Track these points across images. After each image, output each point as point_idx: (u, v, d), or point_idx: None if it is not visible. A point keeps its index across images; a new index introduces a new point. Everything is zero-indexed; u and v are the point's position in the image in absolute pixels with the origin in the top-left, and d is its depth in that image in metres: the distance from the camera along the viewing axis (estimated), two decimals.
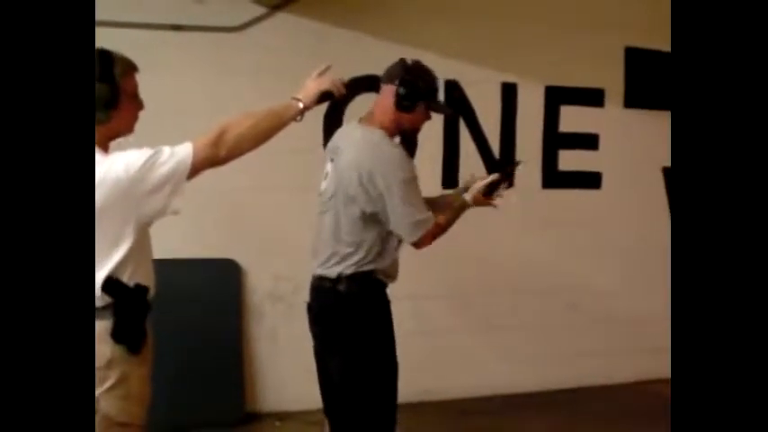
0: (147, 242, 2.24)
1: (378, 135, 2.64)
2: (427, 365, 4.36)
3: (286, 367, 4.26)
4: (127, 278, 2.15)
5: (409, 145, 2.70)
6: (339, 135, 2.82)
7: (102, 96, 2.11)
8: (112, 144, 2.24)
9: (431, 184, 3.99)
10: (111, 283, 2.11)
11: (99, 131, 2.13)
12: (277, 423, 4.25)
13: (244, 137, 2.20)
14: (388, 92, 2.66)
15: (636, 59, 5.00)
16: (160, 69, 3.41)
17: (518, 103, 4.79)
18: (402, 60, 2.69)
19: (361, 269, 2.60)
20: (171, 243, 3.12)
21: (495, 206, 2.83)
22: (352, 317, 2.63)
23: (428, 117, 2.74)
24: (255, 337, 4.38)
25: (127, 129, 2.25)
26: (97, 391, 2.09)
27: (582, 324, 4.95)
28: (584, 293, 4.95)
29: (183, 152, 2.13)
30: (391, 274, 2.69)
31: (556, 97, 4.88)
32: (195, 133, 2.20)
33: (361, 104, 3.50)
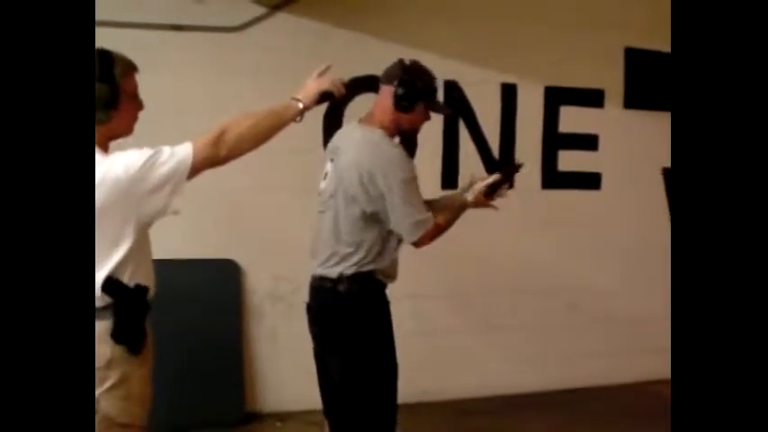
0: (147, 242, 2.24)
1: (378, 135, 2.64)
2: (427, 365, 4.36)
3: (286, 367, 4.26)
4: (127, 278, 2.15)
5: (409, 145, 2.70)
6: (339, 135, 2.82)
7: (102, 96, 2.11)
8: (112, 144, 2.24)
9: (431, 184, 4.00)
10: (112, 283, 2.11)
11: (99, 131, 2.13)
12: (277, 423, 4.25)
13: (244, 137, 2.20)
14: (387, 92, 2.66)
15: (636, 60, 5.00)
16: (160, 69, 3.41)
17: (518, 104, 4.79)
18: (400, 61, 2.70)
19: (361, 269, 2.60)
20: (171, 243, 3.12)
21: (495, 208, 2.84)
22: (351, 317, 2.63)
23: (427, 117, 2.75)
24: (255, 338, 4.38)
25: (127, 129, 2.25)
26: (97, 392, 2.09)
27: (582, 324, 4.95)
28: (584, 294, 4.95)
29: (184, 152, 2.13)
30: (391, 274, 2.70)
31: (555, 98, 4.88)
32: (195, 133, 2.20)
33: (361, 105, 3.50)
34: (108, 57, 2.15)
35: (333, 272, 2.62)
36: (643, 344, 4.81)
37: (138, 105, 2.27)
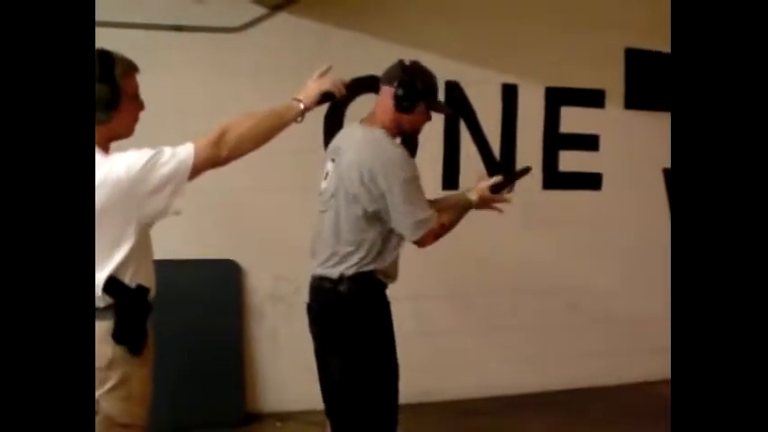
0: (148, 243, 2.25)
1: (379, 135, 2.64)
2: (428, 366, 4.36)
3: (287, 367, 4.26)
4: (128, 279, 2.15)
5: (410, 146, 2.70)
6: (340, 136, 2.82)
7: (102, 97, 2.11)
8: (113, 145, 2.24)
9: (431, 185, 3.99)
10: (113, 283, 2.12)
11: (100, 132, 2.14)
12: (278, 423, 4.25)
13: (245, 137, 2.20)
14: (388, 93, 2.66)
15: (636, 60, 5.00)
16: (161, 70, 3.41)
17: (518, 104, 4.79)
18: (400, 61, 2.70)
19: (362, 269, 2.60)
20: (171, 244, 3.12)
21: (500, 210, 2.84)
22: (352, 317, 2.63)
23: (428, 117, 2.75)
24: (256, 338, 4.38)
25: (128, 129, 2.25)
26: (98, 392, 2.09)
27: (582, 324, 4.95)
28: (584, 294, 4.95)
29: (185, 153, 2.13)
30: (391, 274, 2.69)
31: (556, 98, 4.88)
32: (196, 134, 2.20)
33: (361, 105, 3.50)
34: (108, 57, 2.16)
35: (333, 272, 2.62)
36: (643, 344, 4.81)
37: (139, 106, 2.27)
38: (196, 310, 4.11)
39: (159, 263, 2.32)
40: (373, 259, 2.61)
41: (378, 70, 2.79)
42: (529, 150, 4.74)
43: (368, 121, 2.72)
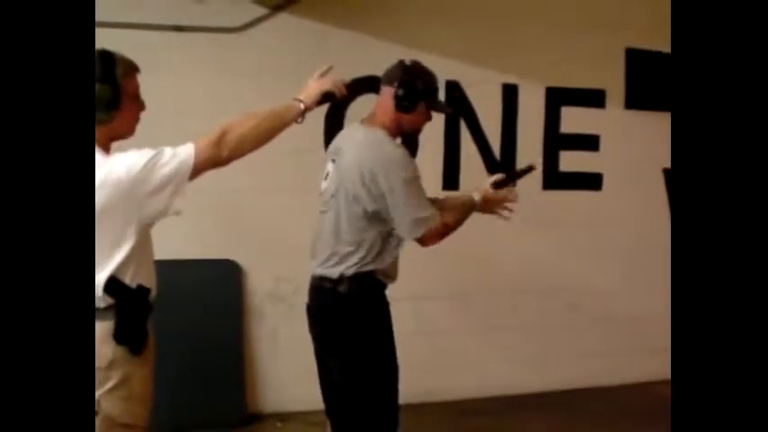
0: (148, 243, 2.25)
1: (379, 135, 2.64)
2: (428, 366, 4.36)
3: (287, 368, 4.26)
4: (129, 279, 2.15)
5: (410, 146, 2.70)
6: (341, 136, 2.82)
7: (103, 97, 2.11)
8: (114, 145, 2.24)
9: (432, 185, 3.99)
10: (113, 284, 2.12)
11: (100, 132, 2.14)
12: (278, 424, 4.25)
13: (245, 137, 2.20)
14: (388, 93, 2.66)
15: (637, 60, 5.00)
16: (161, 70, 3.41)
17: (519, 104, 4.79)
18: (401, 62, 2.70)
19: (362, 270, 2.60)
20: (172, 244, 3.12)
21: (505, 218, 2.84)
22: (351, 318, 2.62)
23: (429, 117, 2.75)
24: (256, 338, 4.38)
25: (128, 129, 2.26)
26: (99, 392, 2.09)
27: (582, 325, 4.95)
28: (584, 294, 4.95)
29: (185, 153, 2.13)
30: (391, 274, 2.69)
31: (557, 98, 4.88)
32: (196, 134, 2.20)
33: (362, 105, 3.50)
34: (109, 57, 2.16)
35: (333, 272, 2.62)
36: (643, 344, 4.82)
37: (140, 106, 2.27)
38: (196, 311, 4.12)
39: (159, 263, 2.32)
40: (373, 259, 2.61)
41: (378, 70, 2.79)
42: (529, 151, 4.74)
43: (368, 121, 2.72)
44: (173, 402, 3.57)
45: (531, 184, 4.59)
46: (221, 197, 3.95)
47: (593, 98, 4.95)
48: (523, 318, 4.84)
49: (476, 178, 3.05)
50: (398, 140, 2.71)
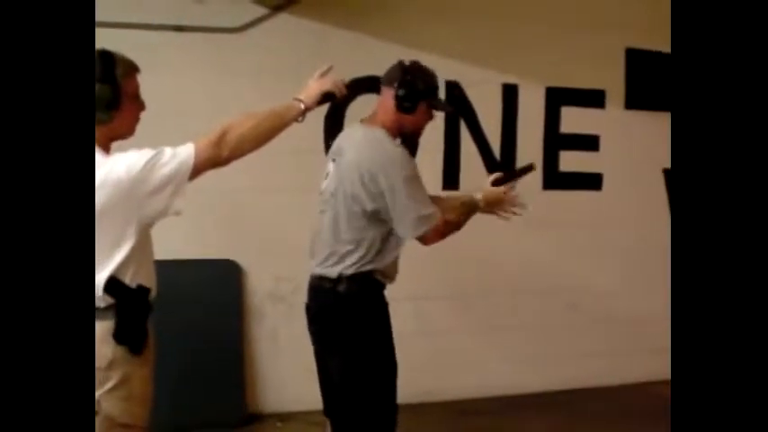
0: (148, 243, 2.25)
1: (379, 134, 2.64)
2: (428, 366, 4.36)
3: (287, 368, 4.27)
4: (129, 279, 2.15)
5: (410, 148, 2.70)
6: (342, 136, 2.82)
7: (103, 97, 2.11)
8: (114, 145, 2.24)
9: (432, 185, 3.99)
10: (113, 284, 2.12)
11: (100, 132, 2.14)
12: (278, 424, 4.25)
13: (245, 137, 2.20)
14: (389, 94, 2.66)
15: (637, 60, 5.00)
16: (161, 70, 3.41)
17: (519, 104, 4.79)
18: (400, 62, 2.70)
19: (361, 269, 2.60)
20: (172, 244, 3.12)
21: (506, 218, 2.84)
22: (350, 318, 2.62)
23: (431, 117, 2.74)
24: (256, 338, 4.38)
25: (128, 129, 2.26)
26: (99, 393, 2.09)
27: (582, 325, 4.95)
28: (584, 294, 4.95)
29: (185, 153, 2.13)
30: (390, 274, 2.69)
31: (557, 98, 4.88)
32: (196, 134, 2.20)
33: (362, 105, 3.51)
34: (109, 57, 2.16)
35: (332, 271, 2.62)
36: (643, 344, 4.82)
37: (140, 106, 2.27)
38: (196, 311, 4.12)
39: (159, 263, 2.32)
40: (372, 259, 2.61)
41: (378, 70, 2.79)
42: (529, 151, 4.73)
43: (369, 121, 2.72)
44: (173, 402, 3.57)
45: (531, 184, 4.59)
46: (221, 197, 3.95)
47: (593, 98, 4.95)
48: (523, 318, 4.84)
49: (476, 178, 3.04)
50: (398, 141, 2.71)
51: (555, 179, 4.88)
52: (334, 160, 2.72)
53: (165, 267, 2.40)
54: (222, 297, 4.28)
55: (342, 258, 2.61)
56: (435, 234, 2.62)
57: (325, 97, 2.46)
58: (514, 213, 2.85)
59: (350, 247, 2.60)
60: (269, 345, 4.37)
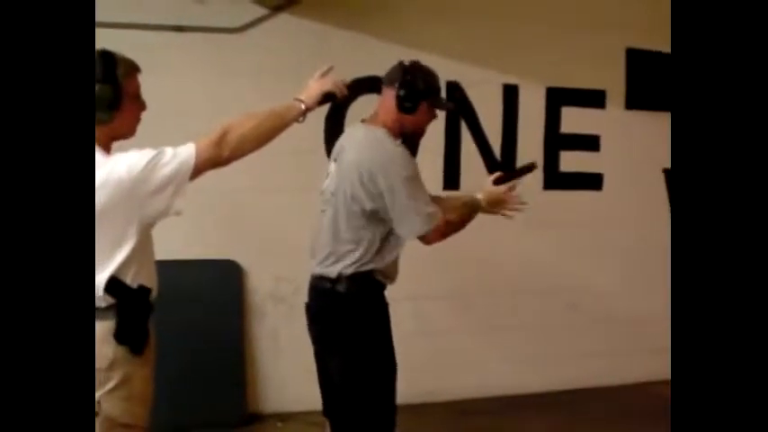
0: (149, 243, 2.25)
1: (380, 134, 2.64)
2: (428, 366, 4.37)
3: (287, 368, 4.27)
4: (130, 279, 2.15)
5: (411, 148, 2.70)
6: (344, 136, 2.82)
7: (104, 97, 2.12)
8: (115, 145, 2.25)
9: (432, 185, 3.99)
10: (114, 284, 2.12)
11: (101, 132, 2.14)
12: (279, 424, 4.26)
13: (246, 137, 2.20)
14: (390, 95, 2.66)
15: (637, 60, 5.00)
16: (161, 70, 3.41)
17: (519, 105, 4.79)
18: (400, 63, 2.70)
19: (360, 269, 2.60)
20: (172, 244, 3.12)
21: (509, 217, 2.83)
22: (350, 318, 2.62)
23: (433, 116, 2.74)
24: (257, 338, 4.38)
25: (129, 129, 2.26)
26: (100, 393, 2.10)
27: (582, 325, 4.95)
28: (584, 294, 4.95)
29: (186, 153, 2.13)
30: (390, 274, 2.69)
31: (557, 98, 4.88)
32: (197, 134, 2.20)
33: (362, 105, 3.50)
34: (110, 58, 2.16)
35: (331, 271, 2.62)
36: (643, 344, 4.82)
37: (141, 106, 2.27)
38: (197, 311, 4.12)
39: (160, 263, 2.32)
40: (372, 258, 2.61)
41: (378, 71, 2.79)
42: (530, 151, 4.73)
43: (370, 121, 2.72)
44: (173, 402, 3.56)
45: (531, 185, 4.60)
46: (221, 197, 3.95)
47: (594, 98, 4.95)
48: (523, 318, 4.84)
49: (476, 178, 3.04)
50: (398, 141, 2.70)
51: (555, 179, 4.88)
52: (335, 160, 2.72)
53: (165, 267, 2.40)
54: (223, 297, 4.28)
55: (341, 258, 2.61)
56: (436, 234, 2.61)
57: (326, 97, 2.46)
58: (517, 211, 2.84)
59: (349, 247, 2.60)
60: (269, 345, 4.37)
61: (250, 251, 4.32)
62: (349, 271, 2.60)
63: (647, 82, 4.99)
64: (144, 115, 2.29)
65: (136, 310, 2.18)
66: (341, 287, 2.61)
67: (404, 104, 2.63)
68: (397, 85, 2.64)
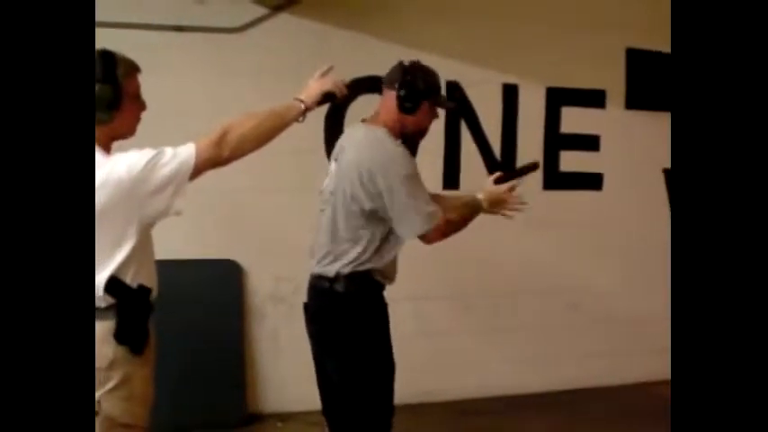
0: (149, 243, 2.25)
1: (380, 133, 2.63)
2: (428, 367, 4.37)
3: (287, 368, 4.26)
4: (130, 279, 2.15)
5: (411, 149, 2.69)
6: (344, 136, 2.81)
7: (104, 97, 2.12)
8: (115, 145, 2.25)
9: (432, 185, 4.00)
10: (114, 283, 2.12)
11: (101, 132, 2.14)
12: (279, 424, 4.25)
13: (246, 137, 2.20)
14: (390, 96, 2.65)
15: (637, 60, 5.00)
16: (162, 70, 3.41)
17: (519, 104, 4.79)
18: (400, 63, 2.69)
19: (358, 268, 2.59)
20: (172, 244, 3.12)
21: (509, 217, 2.82)
22: (348, 317, 2.62)
23: (435, 115, 2.74)
24: (257, 338, 4.38)
25: (129, 129, 2.26)
26: (100, 393, 2.10)
27: (583, 325, 4.95)
28: (584, 294, 4.95)
29: (186, 153, 2.13)
30: (389, 275, 2.68)
31: (557, 98, 4.88)
32: (197, 134, 2.20)
33: (362, 105, 3.51)
34: (111, 57, 2.16)
35: (329, 270, 2.62)
36: (644, 344, 4.82)
37: (141, 106, 2.27)
38: (197, 311, 4.12)
39: (160, 263, 2.32)
40: (370, 258, 2.60)
41: (378, 71, 2.79)
42: (530, 151, 4.72)
43: (371, 121, 2.72)
44: (173, 402, 3.56)
45: (531, 185, 4.59)
46: (221, 197, 3.95)
47: (594, 98, 4.95)
48: (524, 318, 4.84)
49: (476, 178, 3.04)
50: (399, 141, 2.70)
51: (555, 179, 4.88)
52: (335, 160, 2.72)
53: (165, 267, 2.40)
54: (222, 297, 4.28)
55: (339, 257, 2.61)
56: (437, 233, 2.61)
57: (326, 97, 2.46)
58: (517, 211, 2.84)
59: (347, 246, 2.60)
60: (269, 345, 4.37)
61: (250, 251, 4.32)
62: (347, 270, 2.59)
63: (647, 82, 4.99)
64: (144, 115, 2.29)
65: (136, 310, 2.18)
66: (339, 286, 2.61)
67: (405, 105, 2.63)
68: (397, 85, 2.63)
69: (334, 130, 4.05)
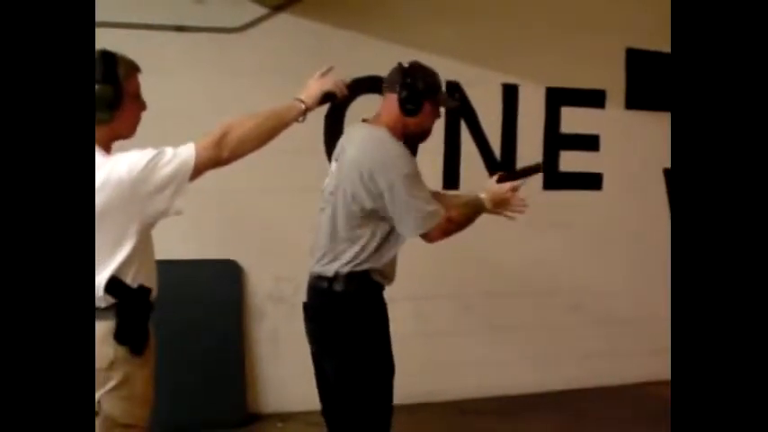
0: (149, 243, 2.25)
1: (381, 133, 2.63)
2: (429, 367, 4.37)
3: (287, 368, 4.26)
4: (130, 279, 2.15)
5: (410, 149, 2.69)
6: (345, 136, 2.81)
7: (105, 97, 2.12)
8: (115, 145, 2.25)
9: (432, 185, 3.99)
10: (115, 284, 2.12)
11: (102, 132, 2.14)
12: (279, 424, 4.25)
13: (246, 137, 2.20)
14: (392, 99, 2.64)
15: (637, 60, 5.00)
16: (162, 70, 3.41)
17: (519, 105, 4.79)
18: (399, 65, 2.68)
19: (357, 268, 2.58)
20: (172, 244, 3.12)
21: (511, 218, 2.82)
22: (347, 318, 2.61)
23: (437, 115, 2.73)
24: (257, 338, 4.38)
25: (130, 130, 2.26)
26: (100, 393, 2.09)
27: (583, 325, 4.95)
28: (585, 294, 4.95)
29: (186, 153, 2.13)
30: (388, 275, 2.68)
31: (557, 98, 4.88)
32: (197, 134, 2.20)
33: (362, 105, 3.51)
34: (111, 58, 2.16)
35: (329, 269, 2.61)
36: (644, 344, 4.82)
37: (141, 106, 2.27)
38: (197, 311, 4.12)
39: (160, 263, 2.32)
40: (369, 257, 2.59)
41: (378, 71, 2.79)
42: (530, 151, 4.73)
43: (372, 121, 2.72)
44: (173, 402, 3.56)
45: (531, 185, 4.58)
46: (221, 197, 3.95)
47: (594, 98, 4.95)
48: (524, 318, 4.84)
49: (476, 178, 3.04)
50: (400, 142, 2.70)
51: (555, 179, 4.88)
52: (336, 160, 2.72)
53: (165, 267, 2.40)
54: (223, 297, 4.28)
55: (338, 256, 2.60)
56: (439, 232, 2.60)
57: (326, 97, 2.46)
58: (520, 212, 2.83)
59: (345, 245, 2.59)
60: (269, 345, 4.37)
61: (250, 251, 4.32)
62: (345, 270, 2.59)
63: (647, 82, 4.99)
64: (144, 115, 2.29)
65: (136, 310, 2.18)
66: (338, 286, 2.60)
67: (407, 107, 2.62)
68: (397, 87, 2.63)
69: (334, 130, 4.06)
